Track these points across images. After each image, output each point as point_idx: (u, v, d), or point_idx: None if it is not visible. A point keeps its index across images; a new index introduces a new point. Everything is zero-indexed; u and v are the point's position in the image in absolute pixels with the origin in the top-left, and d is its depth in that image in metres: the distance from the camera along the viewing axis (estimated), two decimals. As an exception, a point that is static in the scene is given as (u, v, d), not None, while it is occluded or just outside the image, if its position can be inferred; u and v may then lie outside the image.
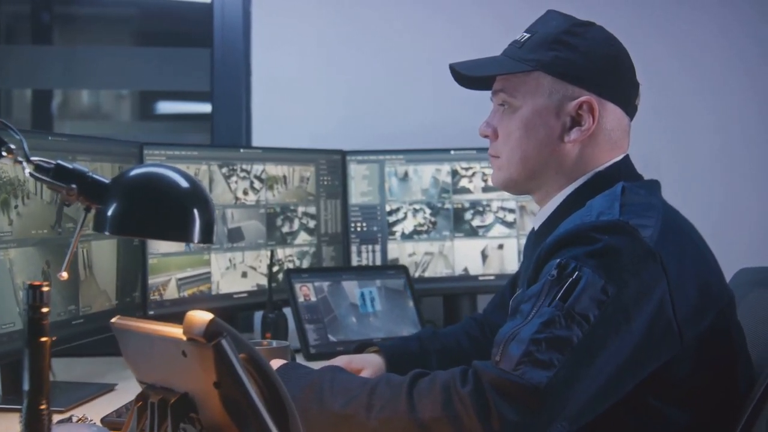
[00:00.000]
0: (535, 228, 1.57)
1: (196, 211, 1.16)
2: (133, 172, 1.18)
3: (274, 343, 1.71)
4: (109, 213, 1.14)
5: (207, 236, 1.17)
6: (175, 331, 1.04)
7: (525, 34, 1.51)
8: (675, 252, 1.34)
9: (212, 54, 2.75)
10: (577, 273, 1.27)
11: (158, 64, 3.01)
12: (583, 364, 1.23)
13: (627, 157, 1.53)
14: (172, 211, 1.15)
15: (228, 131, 2.74)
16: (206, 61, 2.81)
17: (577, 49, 1.47)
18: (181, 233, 1.16)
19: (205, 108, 3.05)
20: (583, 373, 1.23)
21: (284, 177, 2.40)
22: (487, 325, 1.84)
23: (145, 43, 3.21)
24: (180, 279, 2.16)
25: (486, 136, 1.55)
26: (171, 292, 2.15)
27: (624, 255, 1.29)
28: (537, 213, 1.59)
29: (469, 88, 1.60)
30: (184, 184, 1.17)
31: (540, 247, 1.41)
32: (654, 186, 1.51)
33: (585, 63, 1.47)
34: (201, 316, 1.05)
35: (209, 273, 2.23)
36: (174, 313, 2.15)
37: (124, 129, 3.18)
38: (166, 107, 3.28)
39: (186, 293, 2.17)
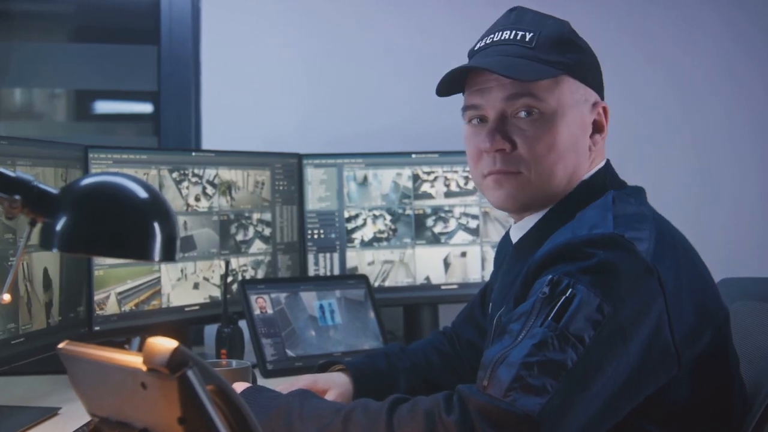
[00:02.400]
0: (514, 240, 1.47)
1: (156, 226, 1.03)
2: (85, 182, 1.04)
3: (234, 363, 1.59)
4: (58, 228, 1.00)
5: (169, 253, 1.04)
6: (134, 360, 0.94)
7: (525, 33, 1.38)
8: (672, 267, 1.26)
9: (159, 52, 2.61)
10: (570, 290, 1.19)
11: (99, 61, 2.85)
12: (577, 390, 1.15)
13: (609, 163, 1.46)
14: (130, 226, 1.02)
15: (176, 133, 2.60)
16: (151, 59, 2.66)
17: (584, 51, 1.41)
18: (140, 251, 1.03)
19: (146, 108, 2.91)
20: (578, 399, 1.15)
21: (237, 182, 2.26)
22: (456, 340, 1.74)
23: (85, 39, 3.04)
24: (120, 293, 2.01)
25: (500, 150, 1.37)
26: (112, 307, 1.99)
27: (621, 271, 1.21)
28: (514, 223, 1.48)
29: (449, 94, 1.46)
30: (142, 194, 1.04)
31: (527, 261, 1.33)
32: (641, 194, 1.43)
33: (592, 64, 1.42)
34: (163, 344, 0.94)
35: (152, 281, 2.07)
36: (121, 328, 2.01)
37: (59, 129, 3.01)
38: (103, 107, 3.12)
39: (126, 307, 2.02)
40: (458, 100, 1.46)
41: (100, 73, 2.85)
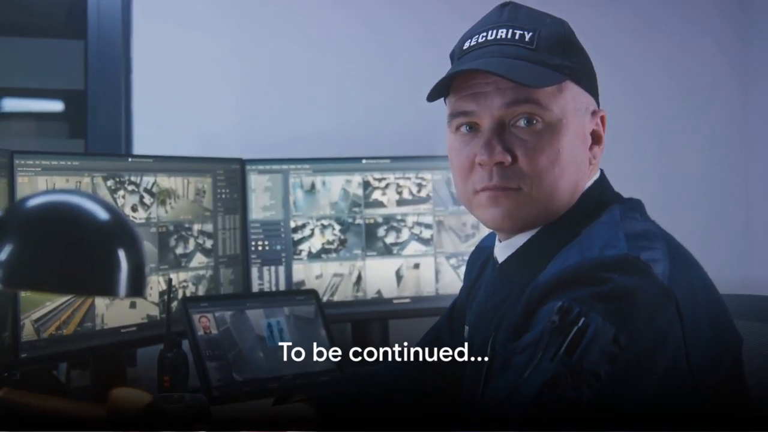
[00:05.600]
0: (501, 259, 1.33)
1: (121, 254, 0.86)
2: (33, 202, 0.86)
3: (187, 398, 1.42)
4: (2, 259, 0.83)
5: (137, 286, 0.87)
6: (94, 412, 0.80)
7: (524, 32, 1.24)
8: (688, 290, 1.14)
9: (86, 47, 2.40)
10: (583, 320, 1.06)
11: (12, 56, 2.62)
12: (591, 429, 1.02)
13: (603, 174, 1.34)
14: (90, 256, 0.85)
15: (104, 136, 2.39)
16: (76, 54, 2.45)
17: (583, 53, 1.28)
18: (103, 285, 0.85)
19: (56, 106, 2.69)
20: None
21: (177, 190, 2.08)
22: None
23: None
24: (36, 320, 1.78)
25: (498, 163, 1.22)
26: (29, 335, 1.77)
27: (638, 298, 1.09)
28: (500, 241, 1.34)
29: (435, 99, 1.31)
30: (102, 216, 0.87)
31: (520, 282, 1.21)
32: (642, 208, 1.31)
33: (590, 68, 1.29)
34: (133, 397, 0.80)
35: (70, 299, 1.85)
36: (51, 354, 1.80)
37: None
38: (13, 105, 2.87)
39: (46, 333, 1.80)
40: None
41: (12, 68, 2.62)
